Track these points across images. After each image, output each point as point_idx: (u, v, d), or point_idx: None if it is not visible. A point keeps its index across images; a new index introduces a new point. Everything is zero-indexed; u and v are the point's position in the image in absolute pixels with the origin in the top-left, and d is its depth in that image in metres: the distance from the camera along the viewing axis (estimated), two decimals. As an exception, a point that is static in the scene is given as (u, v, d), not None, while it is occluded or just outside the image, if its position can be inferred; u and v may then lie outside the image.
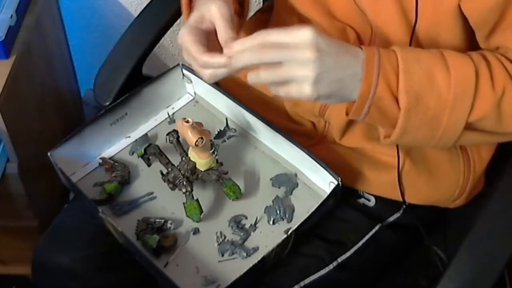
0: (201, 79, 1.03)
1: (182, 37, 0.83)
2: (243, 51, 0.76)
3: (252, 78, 0.77)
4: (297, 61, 0.74)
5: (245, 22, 1.13)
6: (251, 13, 1.17)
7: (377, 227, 0.97)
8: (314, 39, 0.74)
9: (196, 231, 0.93)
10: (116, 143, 1.03)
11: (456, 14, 0.82)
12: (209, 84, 1.03)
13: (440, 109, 0.78)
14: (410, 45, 0.86)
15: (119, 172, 0.98)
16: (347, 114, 0.82)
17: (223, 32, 0.81)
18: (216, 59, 0.79)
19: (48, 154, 0.95)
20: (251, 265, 0.85)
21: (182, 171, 0.93)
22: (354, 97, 0.78)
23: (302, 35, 0.74)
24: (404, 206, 1.00)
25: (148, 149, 0.99)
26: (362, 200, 0.99)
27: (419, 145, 0.86)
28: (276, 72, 0.75)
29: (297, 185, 0.97)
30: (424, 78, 0.78)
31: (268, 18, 1.09)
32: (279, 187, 0.97)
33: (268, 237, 0.91)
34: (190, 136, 0.89)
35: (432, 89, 0.78)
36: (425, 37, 0.85)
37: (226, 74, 0.81)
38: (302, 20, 0.98)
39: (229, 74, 0.81)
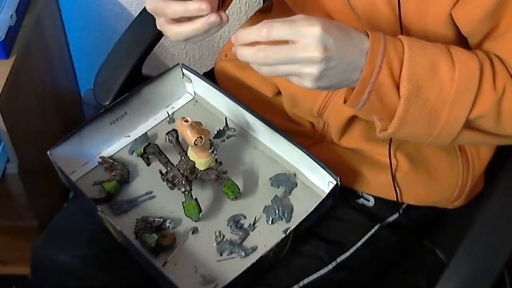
0: (198, 76, 1.04)
1: None
2: (246, 49, 0.74)
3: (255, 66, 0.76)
4: (303, 61, 0.73)
5: (245, 23, 1.13)
6: (251, 13, 1.17)
7: (376, 227, 0.97)
8: (322, 39, 0.72)
9: (195, 230, 0.93)
10: (115, 142, 1.03)
11: (447, 22, 0.82)
12: (209, 84, 1.03)
13: (440, 103, 0.78)
14: None
15: (119, 171, 0.98)
16: (345, 102, 0.80)
17: None
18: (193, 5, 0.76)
19: (48, 152, 0.95)
20: (249, 264, 0.85)
21: (181, 171, 0.93)
22: (354, 85, 0.77)
23: (309, 34, 0.72)
24: (403, 207, 1.00)
25: (148, 148, 0.99)
26: (361, 200, 0.99)
27: (416, 140, 0.85)
28: (279, 68, 0.75)
29: (296, 185, 0.97)
30: (427, 68, 0.77)
31: (268, 18, 1.08)
32: (278, 187, 0.97)
33: (266, 237, 0.92)
34: (189, 135, 0.89)
35: (434, 80, 0.77)
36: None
37: (193, 34, 0.79)
38: None
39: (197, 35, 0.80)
